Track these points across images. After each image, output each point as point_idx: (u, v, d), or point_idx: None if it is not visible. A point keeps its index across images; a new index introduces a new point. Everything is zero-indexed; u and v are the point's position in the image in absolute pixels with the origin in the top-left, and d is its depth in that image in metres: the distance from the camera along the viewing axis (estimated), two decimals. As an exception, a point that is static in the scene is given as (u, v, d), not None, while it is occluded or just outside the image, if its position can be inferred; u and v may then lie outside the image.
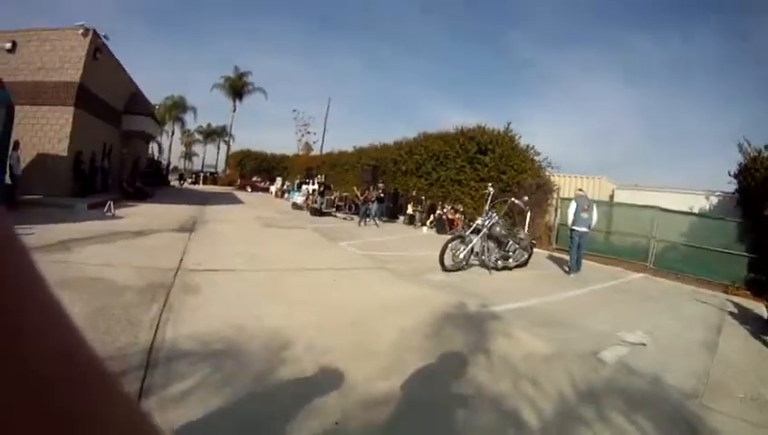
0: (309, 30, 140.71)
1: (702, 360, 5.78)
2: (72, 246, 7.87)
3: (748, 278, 12.55)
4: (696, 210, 15.24)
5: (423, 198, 22.70)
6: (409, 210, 22.64)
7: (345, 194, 24.93)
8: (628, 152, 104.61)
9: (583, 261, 12.49)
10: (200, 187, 52.34)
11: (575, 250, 12.02)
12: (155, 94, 71.82)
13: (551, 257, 15.28)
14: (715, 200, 15.37)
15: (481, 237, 10.52)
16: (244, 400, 3.23)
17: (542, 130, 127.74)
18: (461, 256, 10.18)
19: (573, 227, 11.90)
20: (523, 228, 16.42)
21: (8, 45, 17.94)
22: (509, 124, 21.66)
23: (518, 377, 4.35)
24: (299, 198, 25.45)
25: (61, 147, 18.24)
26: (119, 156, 26.07)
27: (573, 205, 12.02)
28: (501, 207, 12.22)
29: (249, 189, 47.95)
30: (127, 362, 3.55)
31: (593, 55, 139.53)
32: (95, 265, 6.56)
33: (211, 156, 76.23)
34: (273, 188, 39.13)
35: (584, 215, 11.82)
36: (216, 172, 65.86)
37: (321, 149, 47.68)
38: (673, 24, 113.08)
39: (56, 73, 18.40)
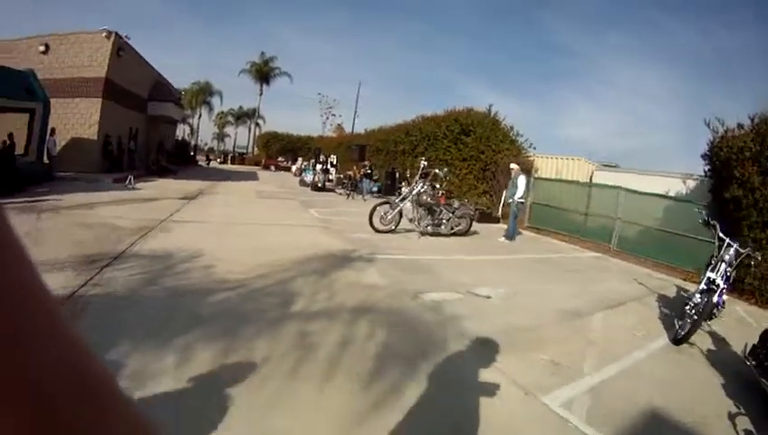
0: (338, 11, 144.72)
1: (533, 322, 6.48)
2: (94, 206, 11.32)
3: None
4: (671, 194, 14.90)
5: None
6: (403, 187, 24.82)
7: (349, 172, 26.91)
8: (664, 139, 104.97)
9: (542, 237, 14.82)
10: (227, 166, 56.93)
11: (511, 219, 14.34)
12: (185, 78, 76.09)
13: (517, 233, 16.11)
14: (692, 184, 15.06)
15: (412, 204, 12.77)
16: (164, 276, 6.33)
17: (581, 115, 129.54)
18: (389, 217, 12.31)
19: (509, 200, 14.51)
20: (497, 204, 19.04)
21: (42, 48, 22.11)
22: (490, 106, 23.44)
23: (337, 293, 6.48)
24: (308, 176, 27.95)
25: (91, 132, 22.32)
26: (145, 138, 29.99)
27: (510, 180, 14.64)
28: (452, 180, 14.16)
29: (273, 169, 51.71)
30: (109, 255, 6.80)
31: (634, 39, 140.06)
32: (107, 217, 9.95)
33: (242, 137, 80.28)
34: (293, 168, 41.19)
35: (513, 188, 14.24)
36: (246, 153, 70.47)
37: (353, 130, 49.45)
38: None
39: (85, 70, 22.45)
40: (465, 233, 13.88)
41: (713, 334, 7.16)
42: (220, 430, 3.00)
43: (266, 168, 53.32)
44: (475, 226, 15.37)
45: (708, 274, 6.90)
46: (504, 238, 14.07)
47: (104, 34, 22.88)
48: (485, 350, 5.21)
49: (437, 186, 14.50)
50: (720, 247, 7.06)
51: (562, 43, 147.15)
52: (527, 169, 19.24)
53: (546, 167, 22.20)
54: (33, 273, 0.31)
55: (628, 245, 14.58)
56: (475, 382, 4.45)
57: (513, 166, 15.16)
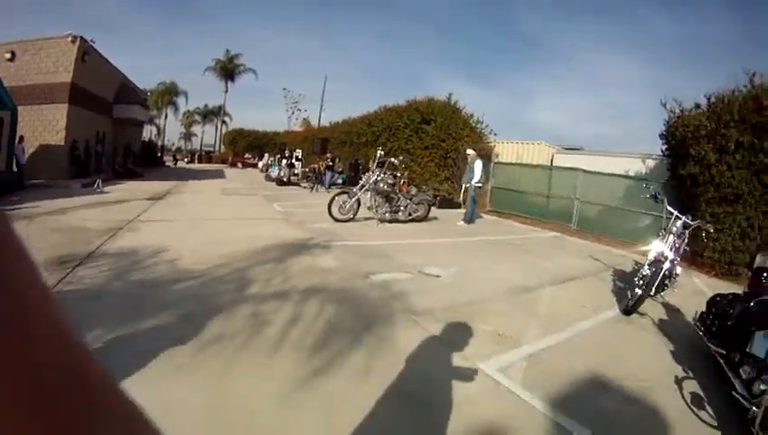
0: (302, 5, 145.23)
1: (480, 297, 6.86)
2: (66, 211, 11.81)
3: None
4: (632, 174, 15.49)
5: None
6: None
7: (313, 166, 27.46)
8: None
9: (503, 220, 15.55)
10: (195, 166, 57.09)
11: (469, 203, 15.12)
12: (150, 79, 75.80)
13: (477, 216, 16.58)
14: (651, 163, 15.70)
15: (369, 192, 13.40)
16: (131, 271, 7.00)
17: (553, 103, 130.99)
18: (347, 206, 12.94)
19: (465, 184, 15.33)
20: (459, 189, 19.62)
21: (8, 55, 22.34)
22: (450, 95, 24.04)
23: (292, 277, 7.06)
24: (274, 172, 28.56)
25: (58, 138, 22.65)
26: (111, 141, 30.29)
27: (467, 166, 15.38)
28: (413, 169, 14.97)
29: (240, 166, 52.10)
30: (80, 256, 7.43)
31: (605, 26, 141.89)
32: (78, 220, 10.48)
33: (209, 136, 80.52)
34: (260, 164, 41.67)
35: (470, 173, 14.96)
36: (213, 151, 70.89)
37: (319, 123, 49.67)
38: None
39: (51, 76, 22.71)
40: (424, 219, 14.52)
41: (666, 305, 7.46)
42: (181, 392, 3.58)
43: (233, 165, 53.71)
44: (437, 211, 16.21)
45: (656, 245, 7.17)
46: (462, 222, 14.83)
47: (70, 39, 23.16)
48: (428, 322, 5.61)
49: (398, 174, 15.16)
50: (669, 220, 7.40)
51: (532, 32, 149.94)
52: (486, 155, 20.07)
53: (507, 152, 23.25)
54: (34, 273, 0.32)
55: (588, 224, 15.23)
56: (413, 351, 4.80)
57: (469, 152, 15.85)
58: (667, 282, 7.20)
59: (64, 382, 0.30)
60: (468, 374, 4.41)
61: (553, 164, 20.20)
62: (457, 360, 4.70)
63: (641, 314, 6.84)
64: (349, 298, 6.36)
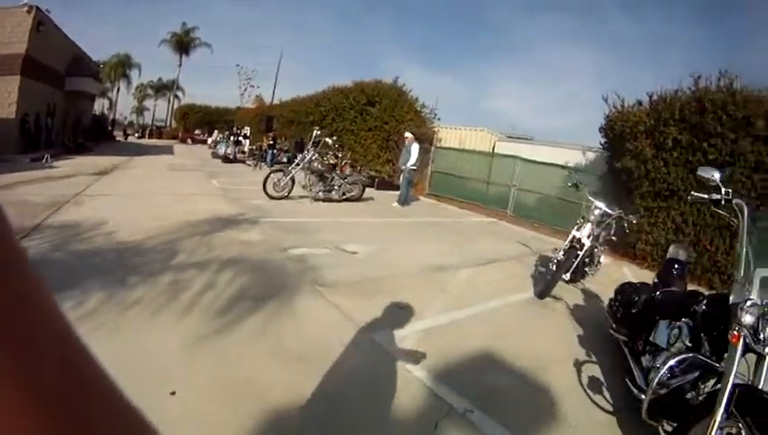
0: None
1: (392, 273, 7.41)
2: (12, 187, 12.57)
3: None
4: (571, 164, 15.31)
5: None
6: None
7: (259, 144, 28.03)
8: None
9: (441, 204, 16.46)
10: (145, 141, 57.06)
11: (404, 185, 15.95)
12: (104, 50, 75.00)
13: (414, 199, 17.68)
14: (591, 156, 15.69)
15: (304, 171, 14.26)
16: (71, 242, 7.98)
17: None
18: (281, 184, 13.74)
19: (401, 166, 16.18)
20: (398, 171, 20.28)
21: None
22: (396, 78, 24.60)
23: (215, 248, 7.78)
24: (221, 149, 29.05)
25: (9, 111, 22.74)
26: (62, 115, 30.42)
27: (404, 148, 16.21)
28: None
29: (190, 142, 52.83)
30: (26, 228, 8.34)
31: (567, 19, 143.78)
32: (25, 195, 11.30)
33: (161, 110, 79.77)
34: (209, 141, 41.33)
35: (407, 155, 15.82)
36: (165, 126, 70.77)
37: (272, 101, 49.07)
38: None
39: (4, 47, 22.57)
40: (359, 199, 15.41)
41: (586, 291, 7.76)
42: (99, 345, 4.42)
43: (183, 141, 54.25)
44: (375, 193, 17.34)
45: (573, 232, 7.38)
46: (396, 204, 15.60)
47: (25, 9, 23.09)
48: (332, 293, 6.14)
49: (340, 155, 16.09)
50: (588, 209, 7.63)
51: (493, 19, 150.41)
52: (428, 139, 20.88)
53: (450, 137, 23.45)
54: (32, 275, 0.33)
55: (524, 211, 15.87)
56: (312, 317, 5.34)
57: (407, 134, 16.63)
58: (587, 269, 7.49)
59: (65, 384, 0.32)
60: (358, 341, 4.81)
61: (495, 152, 20.50)
62: (350, 328, 5.11)
63: (556, 299, 7.12)
64: (262, 268, 6.98)
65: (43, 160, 19.56)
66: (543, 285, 7.16)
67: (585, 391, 4.42)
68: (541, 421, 3.91)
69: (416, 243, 10.01)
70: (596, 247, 7.50)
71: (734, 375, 2.93)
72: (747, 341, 3.02)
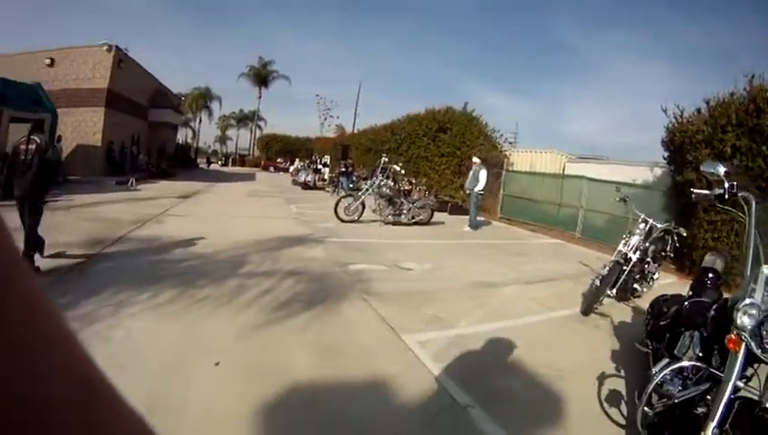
0: (335, 11, 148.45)
1: (438, 287, 7.54)
2: (100, 205, 13.62)
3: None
4: (639, 182, 14.95)
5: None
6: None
7: (338, 171, 28.17)
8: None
9: (512, 227, 16.47)
10: (228, 168, 59.41)
11: (472, 209, 15.81)
12: (185, 80, 78.39)
13: (485, 223, 17.51)
14: (658, 172, 14.91)
15: (374, 196, 14.56)
16: (150, 250, 8.61)
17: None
18: (352, 208, 14.12)
19: (467, 190, 16.20)
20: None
21: (48, 61, 24.74)
22: (466, 104, 25.01)
23: (280, 261, 8.32)
24: (301, 177, 29.60)
25: (95, 139, 25.03)
26: (146, 143, 32.57)
27: (471, 172, 16.10)
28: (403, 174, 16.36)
29: (272, 170, 54.25)
30: (110, 239, 9.03)
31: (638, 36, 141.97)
32: (111, 212, 12.23)
33: (244, 139, 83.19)
34: (291, 169, 41.58)
35: (474, 181, 15.71)
36: (247, 154, 73.48)
37: (353, 129, 49.49)
38: None
39: (89, 82, 25.11)
40: (428, 223, 15.34)
41: (636, 309, 7.28)
42: (169, 325, 5.03)
43: (266, 169, 55.89)
44: (447, 217, 17.28)
45: (620, 247, 7.14)
46: (468, 228, 15.38)
47: (105, 48, 25.44)
48: (376, 301, 6.47)
49: (413, 181, 16.31)
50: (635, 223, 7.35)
51: (565, 41, 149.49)
52: (500, 163, 20.82)
53: (521, 160, 23.33)
54: (35, 285, 0.33)
55: (593, 232, 15.13)
56: (351, 319, 5.77)
57: (474, 160, 16.55)
58: (636, 286, 7.32)
59: (68, 388, 0.33)
60: (386, 339, 5.20)
61: (565, 172, 20.27)
62: (383, 329, 5.49)
63: (603, 316, 6.89)
64: (319, 280, 7.36)
65: (128, 184, 20.82)
66: (587, 302, 6.97)
67: (601, 403, 4.31)
68: (540, 425, 3.93)
69: (472, 263, 9.97)
70: (647, 263, 7.34)
71: (733, 386, 2.74)
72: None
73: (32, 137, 7.03)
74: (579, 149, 23.17)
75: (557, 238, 15.44)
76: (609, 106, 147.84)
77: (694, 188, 9.63)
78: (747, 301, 2.82)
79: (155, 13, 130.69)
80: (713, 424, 2.66)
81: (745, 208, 3.37)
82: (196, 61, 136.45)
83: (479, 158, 16.75)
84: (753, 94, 10.28)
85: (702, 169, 3.69)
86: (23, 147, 6.93)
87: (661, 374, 3.35)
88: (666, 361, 3.56)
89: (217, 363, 4.22)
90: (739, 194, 3.42)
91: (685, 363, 3.40)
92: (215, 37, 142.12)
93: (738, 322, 2.78)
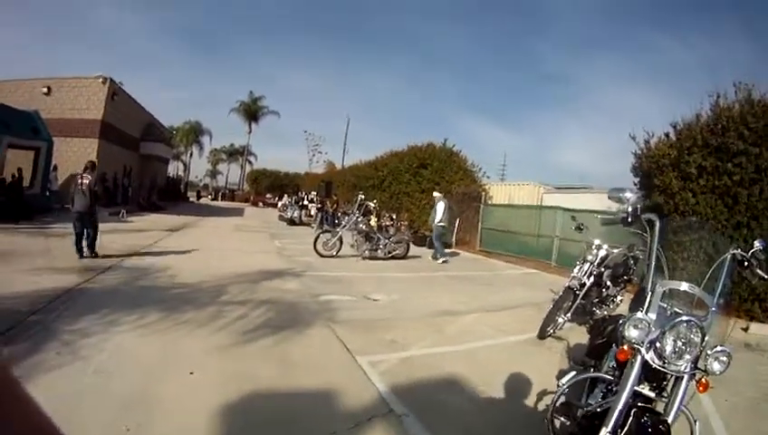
0: (325, 47, 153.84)
1: (401, 316, 8.04)
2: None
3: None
4: (614, 209, 15.26)
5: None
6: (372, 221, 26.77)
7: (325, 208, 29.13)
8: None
9: (488, 259, 17.21)
10: (218, 202, 60.71)
11: (435, 241, 16.44)
12: (176, 113, 79.54)
13: (456, 255, 18.58)
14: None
15: (350, 231, 15.26)
16: (138, 279, 9.35)
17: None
18: (330, 244, 14.67)
19: (430, 223, 17.01)
20: (452, 231, 20.89)
21: (45, 90, 25.69)
22: (445, 140, 26.07)
23: (257, 292, 8.81)
24: (288, 212, 30.39)
25: None
26: (138, 175, 33.44)
27: (434, 207, 16.91)
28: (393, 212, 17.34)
29: (261, 205, 55.13)
30: (100, 268, 9.79)
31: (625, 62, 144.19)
32: (102, 242, 12.62)
33: (234, 174, 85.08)
34: (279, 204, 41.82)
35: (434, 214, 16.65)
36: (237, 189, 74.64)
37: (343, 165, 51.44)
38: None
39: (83, 113, 26.05)
40: (404, 256, 15.93)
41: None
42: (150, 341, 5.78)
43: (255, 204, 57.09)
44: (425, 251, 17.79)
45: (573, 273, 7.37)
46: (434, 259, 16.12)
47: (101, 80, 26.44)
48: (339, 327, 6.99)
49: (394, 216, 17.01)
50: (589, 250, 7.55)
51: (552, 71, 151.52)
52: (477, 197, 21.72)
53: (499, 193, 24.55)
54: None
55: (567, 259, 15.06)
56: (314, 342, 6.37)
57: (435, 194, 17.51)
58: (595, 309, 7.52)
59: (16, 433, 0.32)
60: (342, 360, 5.76)
61: (542, 204, 21.08)
62: (341, 351, 6.06)
63: (559, 339, 7.15)
64: (290, 309, 7.96)
65: (120, 215, 21.71)
66: (542, 326, 7.14)
67: (529, 416, 4.60)
68: (466, 433, 4.28)
69: (439, 294, 10.46)
70: (606, 287, 7.44)
71: (629, 393, 2.90)
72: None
73: (84, 174, 11.11)
74: (568, 178, 23.83)
75: (532, 268, 16.02)
76: (594, 135, 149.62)
77: (662, 210, 10.58)
78: (637, 314, 3.02)
79: (148, 47, 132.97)
80: (606, 429, 2.81)
81: (648, 229, 3.58)
82: (185, 92, 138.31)
83: (438, 192, 17.78)
84: (717, 114, 10.62)
85: (608, 195, 3.98)
86: (79, 179, 10.98)
87: (566, 386, 3.47)
88: (572, 373, 3.62)
89: (192, 373, 4.90)
90: (642, 216, 3.60)
91: (589, 375, 3.62)
92: (206, 71, 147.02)
93: (625, 333, 2.98)
